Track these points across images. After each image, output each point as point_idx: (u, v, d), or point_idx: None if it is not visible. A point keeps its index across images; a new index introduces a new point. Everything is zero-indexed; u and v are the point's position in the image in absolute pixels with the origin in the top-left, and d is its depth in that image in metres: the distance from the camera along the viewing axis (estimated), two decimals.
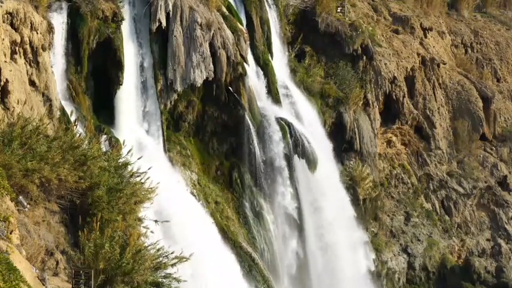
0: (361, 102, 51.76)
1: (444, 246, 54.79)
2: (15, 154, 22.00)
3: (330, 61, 52.33)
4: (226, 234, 40.11)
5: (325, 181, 46.00)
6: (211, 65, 40.98)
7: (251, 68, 44.42)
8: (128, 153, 26.75)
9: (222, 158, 42.95)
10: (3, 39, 30.28)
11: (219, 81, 41.59)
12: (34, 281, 18.34)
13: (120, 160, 26.08)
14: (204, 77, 40.81)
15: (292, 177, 43.84)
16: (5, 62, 30.16)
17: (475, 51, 65.57)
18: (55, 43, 35.28)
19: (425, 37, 60.62)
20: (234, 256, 39.43)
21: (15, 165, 21.70)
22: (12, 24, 31.49)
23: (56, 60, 35.30)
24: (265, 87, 45.84)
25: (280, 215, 43.74)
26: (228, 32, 42.33)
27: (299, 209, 44.28)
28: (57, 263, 21.38)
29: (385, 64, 53.88)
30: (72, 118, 33.03)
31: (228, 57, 41.68)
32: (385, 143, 55.15)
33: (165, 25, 39.98)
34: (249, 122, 42.38)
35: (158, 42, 40.22)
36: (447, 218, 56.40)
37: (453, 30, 65.13)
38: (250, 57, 44.54)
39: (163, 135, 40.14)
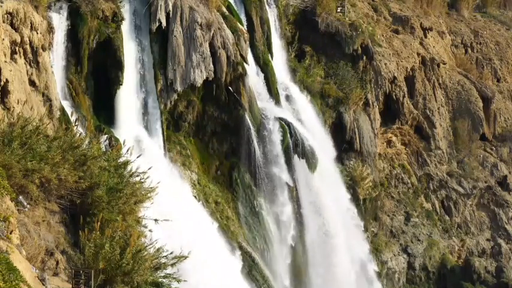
0: (361, 102, 51.74)
1: (444, 246, 54.78)
2: (15, 154, 21.94)
3: (330, 61, 52.30)
4: (226, 234, 40.11)
5: (325, 181, 45.98)
6: (211, 65, 40.99)
7: (251, 68, 44.39)
8: (127, 152, 26.73)
9: (222, 158, 42.95)
10: (3, 39, 30.28)
11: (219, 81, 41.59)
12: (34, 281, 18.31)
13: (120, 160, 26.05)
14: (204, 77, 40.82)
15: (292, 177, 43.82)
16: (5, 62, 30.16)
17: (475, 51, 65.55)
18: (55, 43, 35.28)
19: (425, 37, 60.59)
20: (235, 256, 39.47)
21: (15, 165, 21.64)
22: (12, 24, 31.49)
23: (56, 60, 35.30)
24: (265, 87, 45.82)
25: (280, 215, 43.72)
26: (228, 32, 42.32)
27: (299, 209, 44.26)
28: (57, 263, 21.34)
29: (385, 64, 53.86)
30: (73, 118, 33.03)
31: (228, 57, 41.68)
32: (385, 143, 55.13)
33: (165, 25, 39.99)
34: (249, 122, 42.37)
35: (158, 42, 40.23)
36: (447, 218, 56.40)
37: (453, 30, 65.11)
38: (250, 57, 44.52)
39: (163, 135, 40.15)
